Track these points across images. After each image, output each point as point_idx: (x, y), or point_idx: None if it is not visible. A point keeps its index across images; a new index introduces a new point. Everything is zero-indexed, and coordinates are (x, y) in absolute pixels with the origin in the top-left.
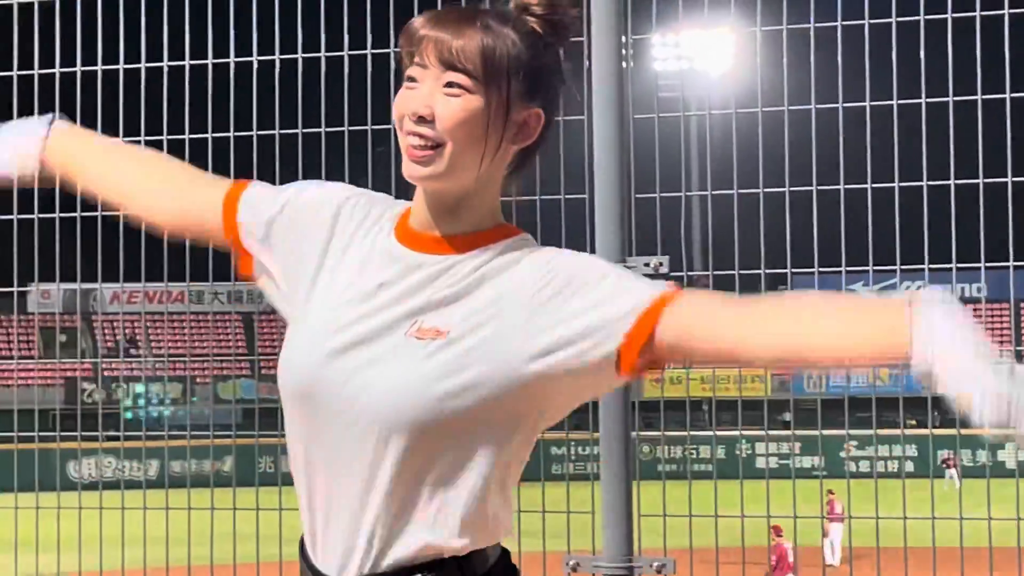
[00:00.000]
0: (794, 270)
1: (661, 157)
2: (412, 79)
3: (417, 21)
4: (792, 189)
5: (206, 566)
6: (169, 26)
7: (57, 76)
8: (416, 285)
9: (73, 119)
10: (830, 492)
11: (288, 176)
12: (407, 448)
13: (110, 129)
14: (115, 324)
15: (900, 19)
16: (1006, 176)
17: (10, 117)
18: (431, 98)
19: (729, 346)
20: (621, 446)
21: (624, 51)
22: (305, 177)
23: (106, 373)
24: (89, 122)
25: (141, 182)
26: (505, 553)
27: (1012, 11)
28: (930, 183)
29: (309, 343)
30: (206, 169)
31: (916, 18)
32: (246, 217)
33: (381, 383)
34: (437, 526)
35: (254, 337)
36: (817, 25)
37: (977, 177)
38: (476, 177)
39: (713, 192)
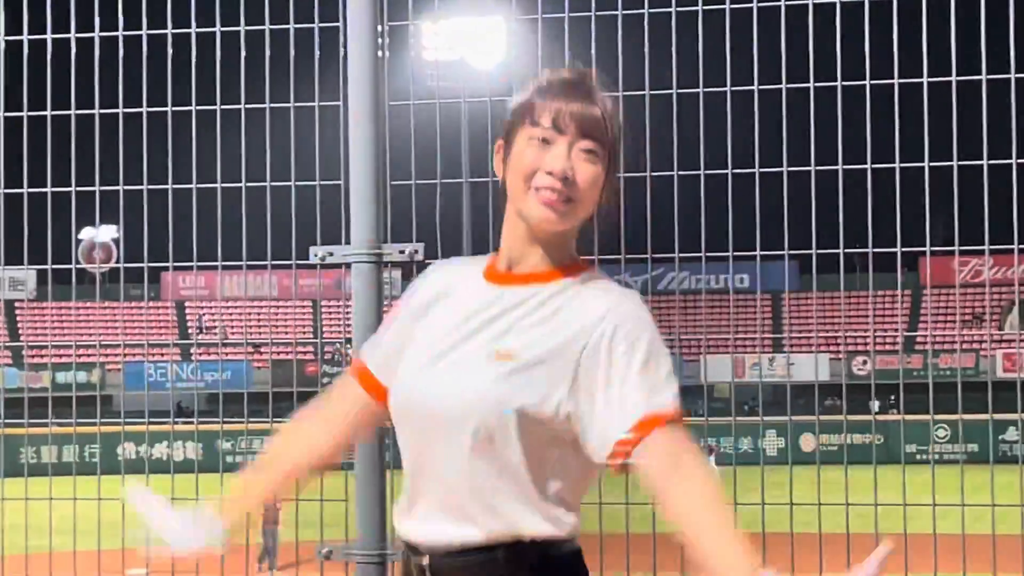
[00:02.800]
0: None
1: (424, 145)
2: (546, 140)
3: (539, 98)
4: None
5: None
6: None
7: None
8: (497, 313)
9: None
10: None
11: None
12: (472, 445)
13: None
14: None
15: (654, 9)
16: (754, 167)
17: None
18: (569, 160)
19: (657, 496)
20: (375, 435)
21: (380, 39)
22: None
23: None
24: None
25: (316, 453)
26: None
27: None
28: (681, 173)
29: (411, 368)
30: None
31: (669, 9)
32: (385, 377)
33: (462, 396)
34: (505, 517)
35: (16, 326)
36: (571, 15)
37: (727, 168)
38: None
39: (470, 180)
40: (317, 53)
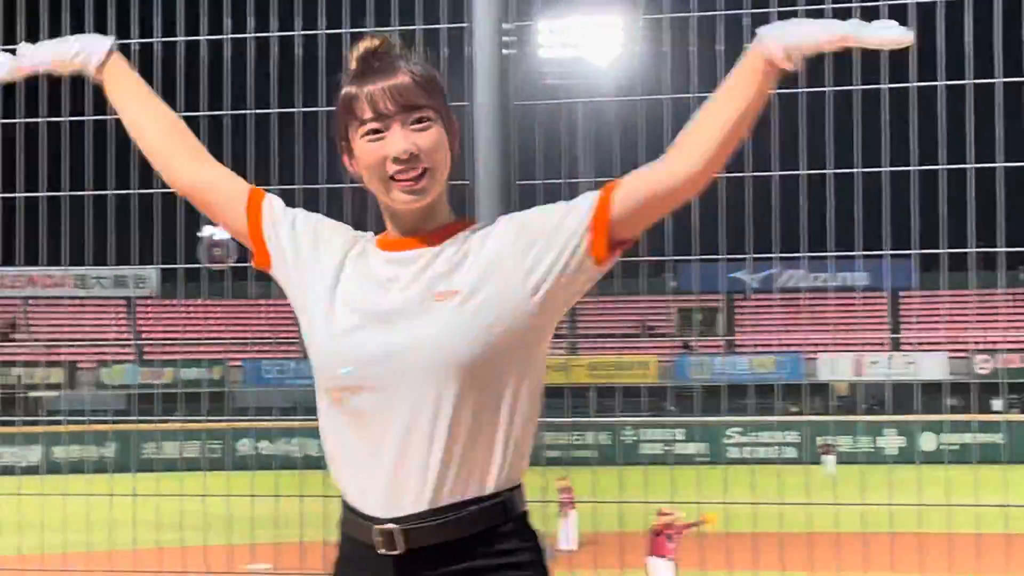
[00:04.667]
0: (675, 257)
1: (545, 144)
2: (376, 131)
3: (352, 88)
4: None
5: (83, 553)
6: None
7: None
8: (419, 270)
9: None
10: (561, 479)
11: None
12: (448, 393)
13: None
14: None
15: (782, 8)
16: (881, 167)
17: None
18: (408, 138)
19: (673, 180)
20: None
21: (505, 38)
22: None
23: None
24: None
25: (180, 142)
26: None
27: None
28: (809, 172)
29: (342, 331)
30: None
31: (797, 8)
32: (269, 214)
33: (423, 337)
34: (481, 465)
35: (137, 323)
36: (699, 14)
37: (854, 167)
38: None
39: (596, 180)
40: (444, 52)
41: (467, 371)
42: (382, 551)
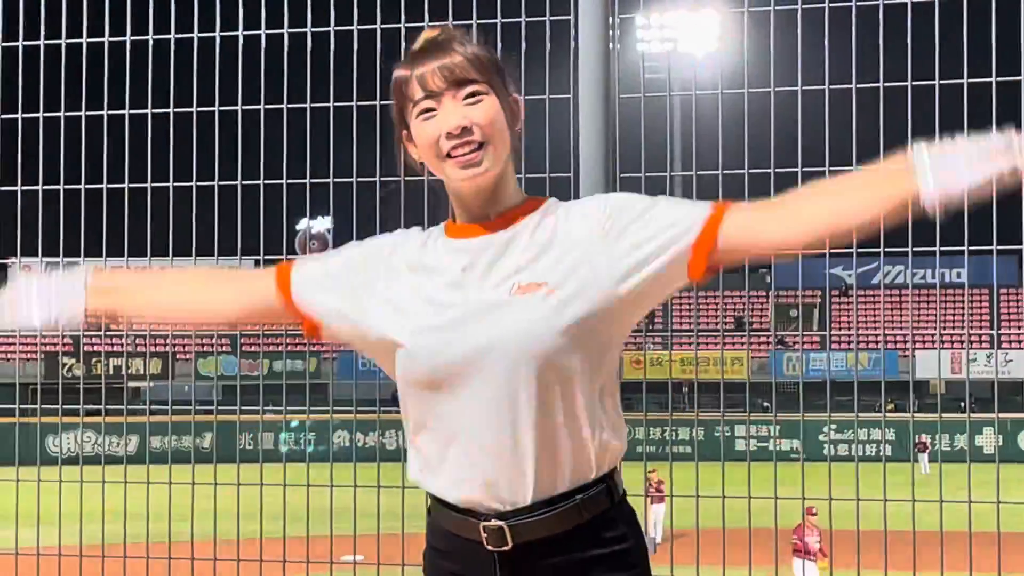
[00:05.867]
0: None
1: (646, 137)
2: (429, 110)
3: (404, 70)
4: (777, 171)
5: (186, 542)
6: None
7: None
8: (493, 258)
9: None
10: (652, 471)
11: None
12: (540, 385)
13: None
14: None
15: (887, 1)
16: None
17: None
18: (460, 112)
19: (778, 240)
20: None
21: (611, 31)
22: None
23: (87, 348)
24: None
25: (195, 295)
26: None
27: None
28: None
29: (425, 329)
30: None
31: (903, 1)
32: (301, 293)
33: (510, 332)
34: (580, 452)
35: None
36: (805, 7)
37: None
38: (505, 161)
39: (698, 172)
40: (548, 46)
41: (555, 362)
42: (490, 547)
